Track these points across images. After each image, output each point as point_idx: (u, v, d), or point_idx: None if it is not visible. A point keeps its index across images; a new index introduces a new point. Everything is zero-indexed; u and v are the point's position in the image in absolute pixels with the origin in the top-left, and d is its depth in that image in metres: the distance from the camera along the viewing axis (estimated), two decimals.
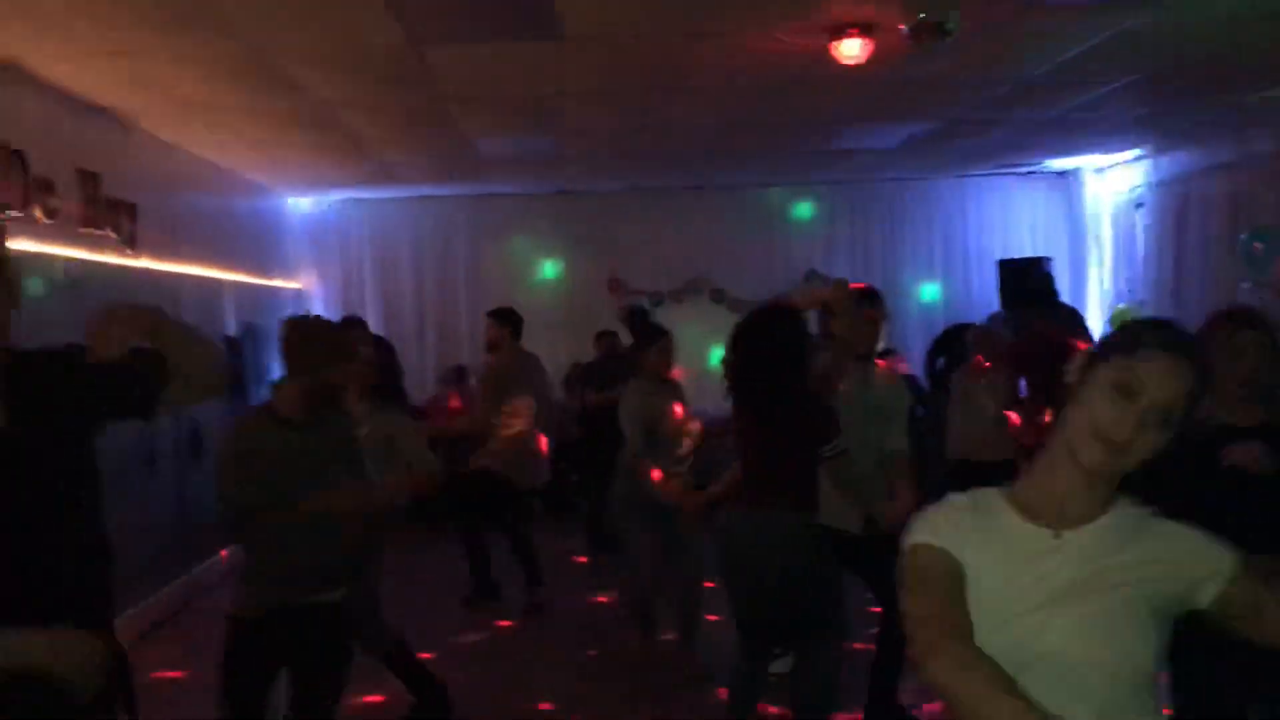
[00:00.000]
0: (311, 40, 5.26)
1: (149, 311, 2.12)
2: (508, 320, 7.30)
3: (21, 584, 1.93)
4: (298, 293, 10.80)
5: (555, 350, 9.90)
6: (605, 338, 9.23)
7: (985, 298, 10.55)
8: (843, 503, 4.20)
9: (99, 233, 6.35)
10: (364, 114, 7.02)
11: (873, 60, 5.53)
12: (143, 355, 2.17)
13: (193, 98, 6.29)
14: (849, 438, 4.05)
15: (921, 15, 4.90)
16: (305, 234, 11.02)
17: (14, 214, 5.37)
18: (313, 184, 10.09)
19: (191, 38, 5.10)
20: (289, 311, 10.20)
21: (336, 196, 10.88)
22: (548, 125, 7.63)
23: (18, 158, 5.44)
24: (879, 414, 4.53)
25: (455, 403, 9.44)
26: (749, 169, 10.09)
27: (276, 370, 9.20)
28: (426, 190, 10.67)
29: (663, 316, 9.51)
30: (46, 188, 5.72)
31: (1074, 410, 1.75)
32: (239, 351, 8.81)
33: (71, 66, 5.56)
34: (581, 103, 6.94)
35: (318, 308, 10.75)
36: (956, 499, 1.84)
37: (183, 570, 7.30)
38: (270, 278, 9.98)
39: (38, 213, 5.62)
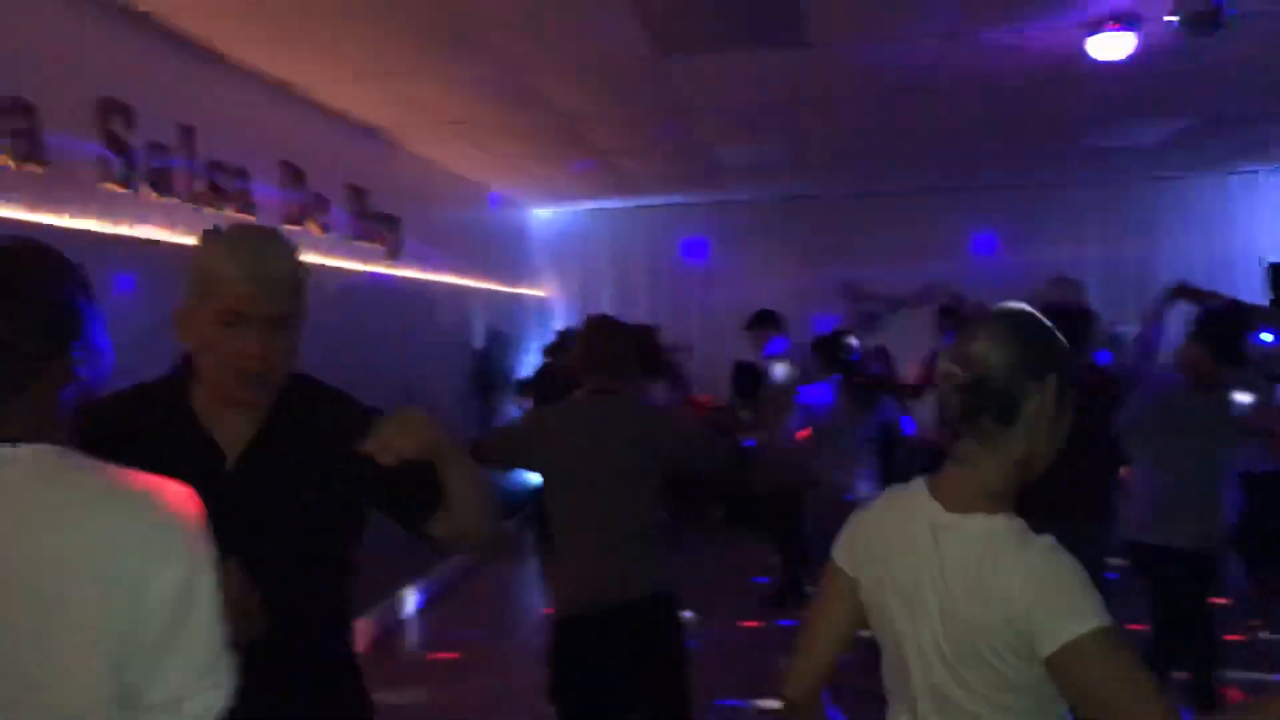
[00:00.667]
0: (562, 55, 5.46)
1: (433, 425, 1.89)
2: (774, 323, 7.40)
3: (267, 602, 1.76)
4: (541, 300, 11.19)
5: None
6: None
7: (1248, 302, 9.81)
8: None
9: (367, 245, 6.79)
10: (607, 125, 7.21)
11: (1133, 54, 5.26)
12: (418, 471, 1.93)
13: (451, 115, 6.63)
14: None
15: (1190, 8, 4.61)
16: (548, 243, 11.41)
17: (293, 229, 5.80)
18: (556, 195, 10.43)
19: (454, 59, 5.39)
20: (533, 318, 10.60)
21: (578, 206, 11.21)
22: (787, 131, 7.62)
23: (297, 175, 5.89)
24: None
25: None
26: (993, 170, 9.76)
27: (521, 373, 9.61)
28: (663, 199, 10.85)
29: (899, 322, 9.33)
30: (321, 203, 6.15)
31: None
32: (487, 356, 9.23)
33: (344, 88, 5.96)
34: (822, 108, 6.89)
35: (558, 314, 11.13)
36: None
37: (410, 581, 7.67)
38: (516, 286, 10.39)
39: (313, 227, 6.06)
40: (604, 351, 3.54)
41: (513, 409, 9.43)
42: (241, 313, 1.81)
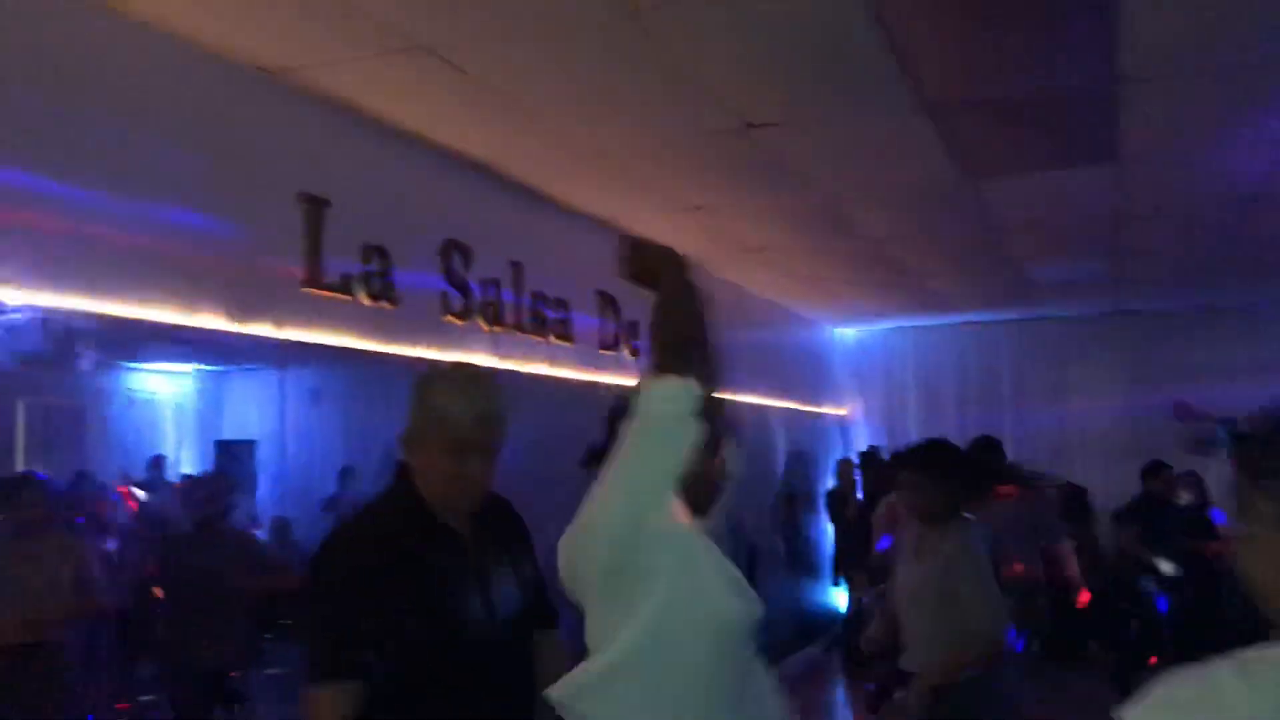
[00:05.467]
0: (873, 184, 5.54)
1: None
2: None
3: None
4: (841, 419, 11.12)
5: (1112, 483, 9.21)
6: (1161, 472, 7.79)
7: None
8: None
9: None
10: (914, 247, 7.18)
11: None
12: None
13: (756, 243, 6.83)
14: None
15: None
16: (849, 362, 11.37)
17: (607, 353, 6.11)
18: (859, 315, 10.43)
19: (762, 191, 5.58)
20: (835, 436, 10.55)
21: (881, 325, 11.14)
22: (1103, 247, 7.31)
23: (611, 303, 6.21)
24: None
25: None
26: None
27: (823, 492, 9.56)
28: (971, 316, 10.59)
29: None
30: (633, 329, 6.45)
31: None
32: (789, 475, 9.26)
33: (655, 221, 6.24)
34: (1144, 222, 6.58)
35: (860, 434, 11.00)
36: None
37: None
38: (816, 405, 10.39)
39: (626, 351, 6.35)
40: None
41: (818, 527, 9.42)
42: (468, 447, 2.10)
